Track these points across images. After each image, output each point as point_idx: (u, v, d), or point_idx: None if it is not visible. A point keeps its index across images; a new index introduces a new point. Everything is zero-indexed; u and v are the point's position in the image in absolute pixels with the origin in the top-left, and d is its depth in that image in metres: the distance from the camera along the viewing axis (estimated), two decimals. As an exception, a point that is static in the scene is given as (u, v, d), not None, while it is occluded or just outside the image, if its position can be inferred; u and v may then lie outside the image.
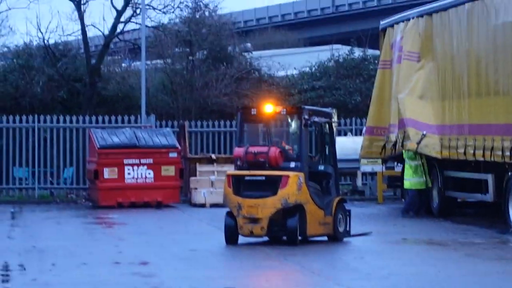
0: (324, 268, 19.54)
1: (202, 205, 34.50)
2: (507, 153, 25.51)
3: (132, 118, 39.79)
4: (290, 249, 22.10)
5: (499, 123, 26.24)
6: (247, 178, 23.10)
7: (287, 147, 23.98)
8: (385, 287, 16.90)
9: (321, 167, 23.87)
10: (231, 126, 39.19)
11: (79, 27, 44.13)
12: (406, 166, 30.73)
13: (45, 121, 39.65)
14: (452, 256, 21.69)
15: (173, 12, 45.46)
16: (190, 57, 45.18)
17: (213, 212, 30.73)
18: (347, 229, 24.02)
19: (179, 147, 36.02)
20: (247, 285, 17.39)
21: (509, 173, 25.94)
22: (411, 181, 30.54)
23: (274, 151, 23.20)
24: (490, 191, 27.35)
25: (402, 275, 18.54)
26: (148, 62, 43.96)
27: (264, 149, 23.41)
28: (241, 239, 23.13)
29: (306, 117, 23.41)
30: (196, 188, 35.36)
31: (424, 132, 29.93)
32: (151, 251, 22.52)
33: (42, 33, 44.70)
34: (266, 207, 22.72)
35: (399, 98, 31.17)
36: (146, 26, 43.41)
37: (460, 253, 21.96)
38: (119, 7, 43.89)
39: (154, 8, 44.65)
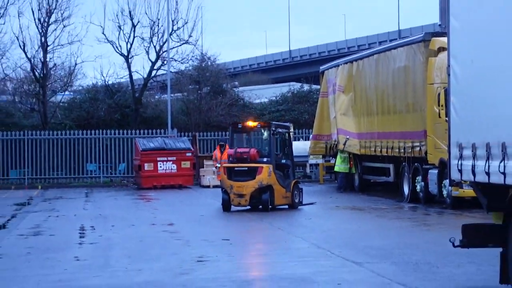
0: (286, 225, 19.57)
1: (207, 187, 34.35)
2: (402, 150, 25.65)
3: (162, 130, 39.84)
4: (264, 214, 22.15)
5: (396, 131, 26.32)
6: (236, 168, 23.11)
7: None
8: (325, 237, 16.96)
9: (283, 161, 23.93)
10: (225, 135, 39.20)
11: (127, 72, 44.24)
12: (338, 157, 30.91)
13: (106, 134, 39.64)
14: (367, 216, 21.80)
15: (187, 62, 45.46)
16: (199, 91, 45.21)
17: (215, 191, 30.61)
18: (300, 200, 24.11)
19: (192, 149, 36.04)
20: (237, 237, 17.41)
21: (403, 163, 26.01)
22: (339, 166, 30.81)
23: (253, 151, 23.26)
24: (391, 175, 27.42)
25: (335, 229, 18.66)
26: (172, 95, 43.93)
27: (247, 149, 23.49)
28: (233, 208, 23.21)
29: (273, 129, 23.52)
30: (203, 175, 35.31)
31: (347, 137, 30.12)
32: (175, 216, 22.58)
33: (103, 76, 45.10)
34: (248, 187, 22.76)
35: (336, 115, 31.41)
36: (170, 72, 43.42)
37: (372, 215, 22.06)
38: (153, 60, 44.08)
39: (175, 60, 44.54)
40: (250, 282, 11.77)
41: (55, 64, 43.99)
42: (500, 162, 9.81)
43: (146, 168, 34.89)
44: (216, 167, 25.00)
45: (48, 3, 41.71)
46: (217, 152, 25.00)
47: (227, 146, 25.33)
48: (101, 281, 12.08)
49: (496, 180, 10.01)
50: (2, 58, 42.27)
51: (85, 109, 43.47)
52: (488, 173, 10.17)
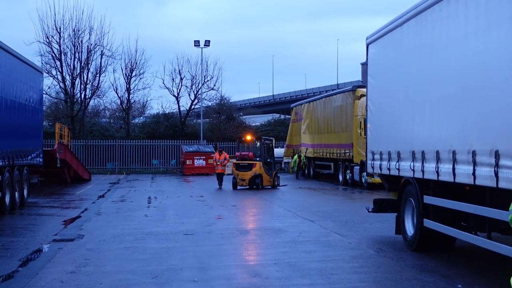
0: (270, 197, 19.51)
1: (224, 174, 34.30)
2: (338, 155, 25.59)
3: (197, 141, 39.67)
4: (256, 191, 22.05)
5: (335, 143, 26.26)
6: (240, 164, 23.10)
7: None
8: (292, 205, 16.87)
9: (268, 160, 23.84)
10: (234, 144, 39.16)
11: (177, 106, 44.12)
12: (293, 160, 31.02)
13: (164, 142, 39.38)
14: (317, 193, 21.62)
15: (213, 101, 45.55)
16: (219, 118, 45.10)
17: (228, 177, 30.52)
18: (278, 183, 24.03)
19: (215, 152, 35.94)
20: (240, 204, 17.28)
21: (339, 162, 25.99)
22: (293, 167, 30.81)
23: (251, 153, 23.27)
24: (332, 169, 27.35)
25: (299, 201, 18.54)
26: (203, 120, 43.96)
27: (247, 152, 23.48)
28: (238, 188, 23.12)
29: (263, 140, 23.51)
30: (221, 168, 35.29)
31: (307, 148, 30.13)
32: (204, 191, 22.47)
33: (163, 108, 45.60)
34: (247, 175, 22.70)
35: (301, 134, 31.38)
36: (202, 106, 43.37)
37: (320, 192, 21.92)
38: (192, 99, 43.88)
39: (205, 99, 44.53)
40: (248, 231, 11.78)
41: (134, 101, 44.25)
42: (396, 162, 9.87)
43: (187, 163, 34.67)
44: (215, 164, 24.74)
45: (131, 64, 42.16)
46: (216, 155, 24.81)
47: (223, 152, 25.02)
48: (160, 229, 12.06)
49: (394, 173, 10.06)
50: (103, 96, 43.11)
51: (152, 127, 43.38)
52: (389, 169, 10.22)
